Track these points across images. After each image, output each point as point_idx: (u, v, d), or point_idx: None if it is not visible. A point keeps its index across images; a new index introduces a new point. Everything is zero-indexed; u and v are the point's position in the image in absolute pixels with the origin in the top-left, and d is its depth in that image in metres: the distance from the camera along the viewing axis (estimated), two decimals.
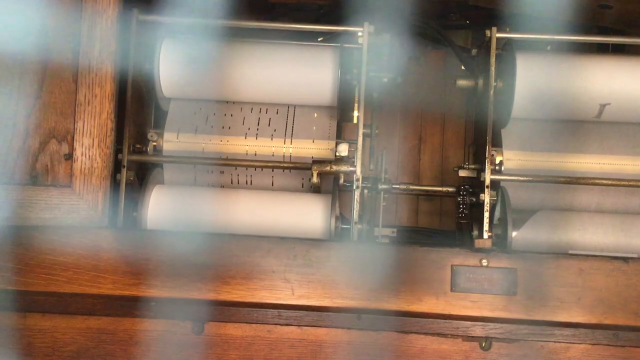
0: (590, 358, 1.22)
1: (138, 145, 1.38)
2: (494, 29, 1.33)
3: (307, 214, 1.34)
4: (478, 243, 1.21)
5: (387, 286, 1.17)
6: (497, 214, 1.37)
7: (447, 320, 1.22)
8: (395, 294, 1.17)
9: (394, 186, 1.46)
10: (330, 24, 1.39)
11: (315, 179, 1.31)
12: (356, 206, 1.28)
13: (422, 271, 1.17)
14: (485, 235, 1.26)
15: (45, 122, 1.22)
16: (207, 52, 1.39)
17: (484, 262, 1.18)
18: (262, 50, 1.41)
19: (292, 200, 1.37)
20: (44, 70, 1.22)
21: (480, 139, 1.50)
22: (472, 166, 1.47)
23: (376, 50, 1.39)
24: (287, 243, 1.19)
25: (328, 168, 1.32)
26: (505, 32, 1.34)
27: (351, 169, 1.31)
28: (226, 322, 1.25)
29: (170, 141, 1.41)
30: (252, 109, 1.46)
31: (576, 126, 1.41)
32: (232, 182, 1.45)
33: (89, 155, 1.21)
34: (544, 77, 1.34)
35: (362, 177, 1.31)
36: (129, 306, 1.24)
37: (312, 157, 1.38)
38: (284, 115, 1.45)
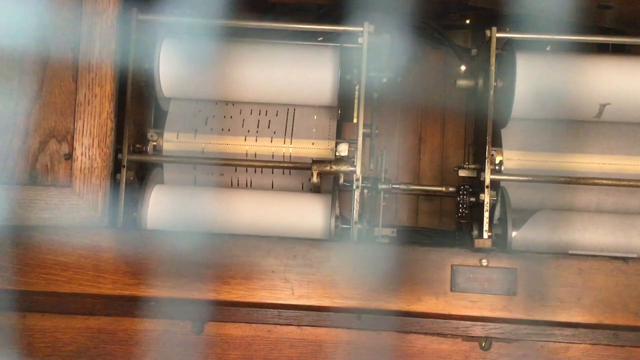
0: (590, 358, 1.22)
1: (138, 145, 1.38)
2: (494, 29, 1.33)
3: (307, 214, 1.34)
4: (478, 243, 1.21)
5: (387, 286, 1.17)
6: (497, 214, 1.37)
7: (446, 320, 1.22)
8: (395, 294, 1.17)
9: (394, 186, 1.46)
10: (330, 24, 1.39)
11: (315, 179, 1.31)
12: (356, 206, 1.28)
13: (422, 271, 1.17)
14: (485, 235, 1.26)
15: (45, 122, 1.22)
16: (207, 52, 1.39)
17: (484, 262, 1.18)
18: (262, 50, 1.41)
19: (292, 200, 1.37)
20: (43, 70, 1.22)
21: (480, 138, 1.50)
22: (472, 166, 1.47)
23: (376, 50, 1.39)
24: (287, 243, 1.19)
25: (328, 168, 1.32)
26: (505, 32, 1.34)
27: (351, 169, 1.31)
28: (226, 322, 1.25)
29: (170, 141, 1.41)
30: (252, 108, 1.46)
31: (576, 126, 1.41)
32: (232, 184, 1.45)
33: (89, 155, 1.21)
34: (544, 77, 1.34)
35: (362, 177, 1.31)
36: (128, 306, 1.24)
37: (312, 158, 1.38)
38: (284, 115, 1.45)
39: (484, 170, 1.31)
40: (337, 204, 1.35)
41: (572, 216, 1.35)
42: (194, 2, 1.32)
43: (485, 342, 1.22)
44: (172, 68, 1.39)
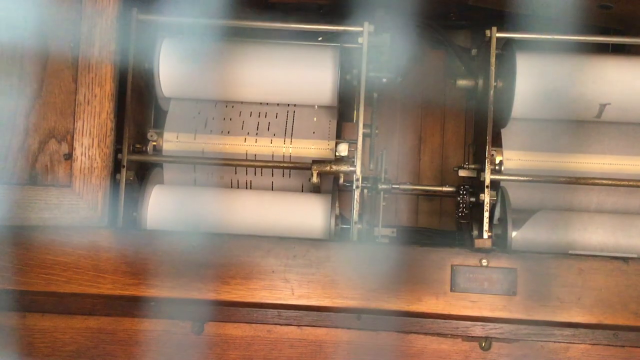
0: (590, 358, 1.22)
1: (138, 145, 1.38)
2: (494, 29, 1.33)
3: (307, 214, 1.34)
4: (478, 243, 1.21)
5: (387, 286, 1.17)
6: (497, 214, 1.37)
7: (446, 320, 1.22)
8: (395, 294, 1.17)
9: (393, 186, 1.46)
10: (330, 23, 1.39)
11: (315, 179, 1.31)
12: (356, 206, 1.28)
13: (422, 271, 1.17)
14: (485, 235, 1.26)
15: (44, 122, 1.22)
16: (207, 52, 1.39)
17: (484, 262, 1.18)
18: (262, 50, 1.41)
19: (292, 200, 1.37)
20: (43, 70, 1.22)
21: (480, 138, 1.50)
22: (472, 166, 1.47)
23: (376, 50, 1.39)
24: (287, 243, 1.19)
25: (328, 168, 1.31)
26: (505, 32, 1.34)
27: (351, 168, 1.31)
28: (226, 322, 1.25)
29: (170, 141, 1.41)
30: (251, 108, 1.46)
31: (576, 126, 1.41)
32: (231, 185, 1.45)
33: (89, 155, 1.21)
34: (544, 77, 1.34)
35: (362, 177, 1.31)
36: (128, 306, 1.24)
37: (312, 158, 1.38)
38: (284, 115, 1.45)
39: (484, 170, 1.31)
40: (337, 204, 1.35)
41: (572, 216, 1.35)
42: (193, 2, 1.32)
43: (485, 342, 1.22)
44: (171, 68, 1.39)
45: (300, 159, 1.40)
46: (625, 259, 1.17)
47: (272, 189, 1.45)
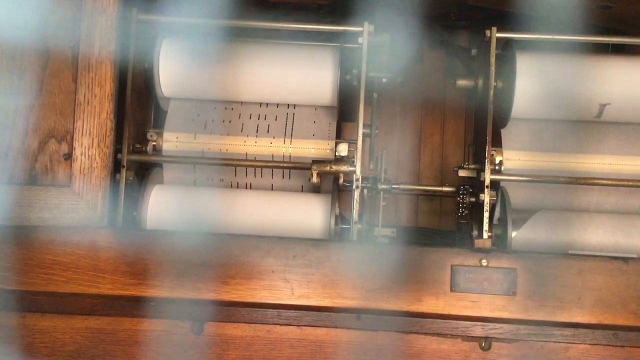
0: (590, 358, 1.22)
1: (138, 145, 1.38)
2: (494, 29, 1.33)
3: (307, 214, 1.34)
4: (478, 243, 1.21)
5: (387, 286, 1.17)
6: (496, 214, 1.37)
7: (446, 320, 1.22)
8: (395, 294, 1.17)
9: (393, 186, 1.46)
10: (330, 23, 1.38)
11: (315, 179, 1.31)
12: (356, 206, 1.28)
13: (422, 271, 1.17)
14: (485, 235, 1.26)
15: (44, 122, 1.22)
16: (206, 52, 1.39)
17: (484, 262, 1.18)
18: (262, 50, 1.41)
19: (291, 200, 1.37)
20: (43, 70, 1.22)
21: (480, 138, 1.49)
22: (472, 166, 1.47)
23: (376, 50, 1.39)
24: (287, 243, 1.19)
25: (328, 168, 1.31)
26: (505, 32, 1.34)
27: (351, 169, 1.31)
28: (226, 322, 1.25)
29: (170, 141, 1.41)
30: (251, 108, 1.46)
31: (576, 126, 1.41)
32: (231, 185, 1.45)
33: (89, 155, 1.21)
34: (543, 77, 1.34)
35: (362, 177, 1.31)
36: (128, 306, 1.24)
37: (312, 158, 1.38)
38: (284, 115, 1.45)
39: (483, 170, 1.31)
40: (336, 204, 1.35)
41: (572, 216, 1.35)
42: (193, 2, 1.32)
43: (485, 342, 1.22)
44: (171, 68, 1.39)
45: (300, 159, 1.40)
46: (625, 259, 1.17)
47: (272, 189, 1.45)
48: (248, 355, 1.25)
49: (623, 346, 1.21)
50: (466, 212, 1.46)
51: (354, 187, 1.29)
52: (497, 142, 1.40)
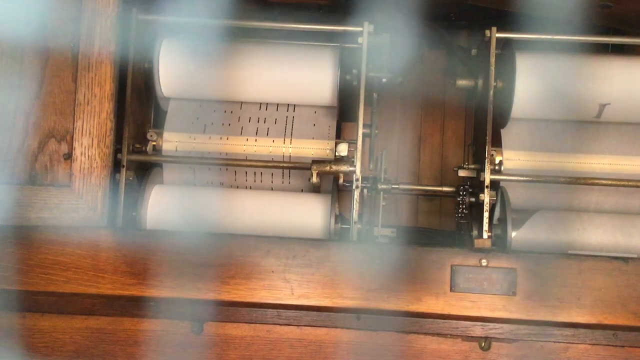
0: (590, 358, 1.22)
1: (137, 145, 1.38)
2: (494, 29, 1.33)
3: (307, 214, 1.34)
4: (478, 243, 1.21)
5: (387, 286, 1.17)
6: (496, 214, 1.37)
7: (446, 320, 1.22)
8: (395, 294, 1.17)
9: (393, 186, 1.46)
10: (330, 23, 1.39)
11: (314, 179, 1.31)
12: (356, 206, 1.28)
13: (422, 271, 1.17)
14: (485, 235, 1.26)
15: (44, 122, 1.22)
16: (206, 52, 1.39)
17: (484, 262, 1.18)
18: (262, 50, 1.41)
19: (291, 200, 1.37)
20: (43, 70, 1.22)
21: (480, 138, 1.49)
22: (472, 166, 1.47)
23: (376, 50, 1.39)
24: (287, 243, 1.19)
25: (328, 168, 1.31)
26: (505, 32, 1.34)
27: (351, 169, 1.31)
28: (225, 322, 1.25)
29: (170, 141, 1.41)
30: (251, 108, 1.46)
31: (576, 126, 1.41)
32: (231, 187, 1.45)
33: (89, 155, 1.21)
34: (543, 77, 1.34)
35: (362, 177, 1.31)
36: (128, 306, 1.24)
37: (312, 158, 1.38)
38: (284, 115, 1.45)
39: (483, 170, 1.31)
40: (336, 204, 1.35)
41: (572, 216, 1.35)
42: (193, 2, 1.32)
43: (485, 342, 1.22)
44: (171, 68, 1.39)
45: (300, 159, 1.40)
46: (625, 259, 1.17)
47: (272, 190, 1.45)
48: (248, 355, 1.25)
49: (623, 346, 1.21)
50: (466, 212, 1.46)
51: (353, 187, 1.29)
52: (497, 142, 1.40)
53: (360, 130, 1.32)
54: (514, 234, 1.31)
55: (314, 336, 1.24)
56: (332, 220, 1.32)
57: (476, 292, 1.17)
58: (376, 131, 1.50)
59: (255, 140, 1.42)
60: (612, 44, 1.54)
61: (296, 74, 1.40)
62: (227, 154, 1.40)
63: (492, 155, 1.35)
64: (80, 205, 1.21)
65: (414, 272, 1.17)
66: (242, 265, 1.18)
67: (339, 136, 1.45)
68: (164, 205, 1.35)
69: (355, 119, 1.32)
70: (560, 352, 1.22)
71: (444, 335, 1.23)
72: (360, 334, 1.23)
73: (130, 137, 1.32)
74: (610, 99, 1.34)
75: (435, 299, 1.17)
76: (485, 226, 1.27)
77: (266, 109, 1.45)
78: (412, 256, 1.18)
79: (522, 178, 1.33)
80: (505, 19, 1.51)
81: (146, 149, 1.40)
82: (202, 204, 1.34)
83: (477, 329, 1.22)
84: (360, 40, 1.33)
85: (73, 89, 1.22)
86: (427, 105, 1.82)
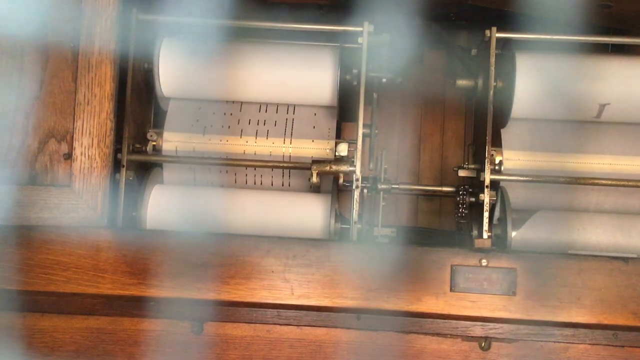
0: (590, 358, 1.22)
1: (137, 145, 1.38)
2: (494, 29, 1.33)
3: (307, 214, 1.34)
4: (478, 243, 1.21)
5: (387, 286, 1.17)
6: (496, 214, 1.37)
7: (446, 320, 1.22)
8: (395, 294, 1.17)
9: (393, 186, 1.46)
10: (330, 23, 1.38)
11: (314, 179, 1.31)
12: (356, 206, 1.28)
13: (422, 271, 1.17)
14: (485, 235, 1.26)
15: (44, 122, 1.22)
16: (206, 52, 1.39)
17: (484, 262, 1.18)
18: (262, 50, 1.41)
19: (291, 200, 1.37)
20: (43, 70, 1.22)
21: (480, 138, 1.49)
22: (472, 166, 1.47)
23: (376, 50, 1.39)
24: (287, 243, 1.19)
25: (328, 168, 1.31)
26: (505, 32, 1.34)
27: (351, 168, 1.31)
28: (225, 322, 1.25)
29: (170, 141, 1.41)
30: (251, 108, 1.46)
31: (576, 126, 1.41)
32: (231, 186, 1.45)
33: (89, 155, 1.21)
34: (543, 77, 1.34)
35: (362, 177, 1.31)
36: (128, 306, 1.24)
37: (312, 158, 1.38)
38: (284, 115, 1.45)
39: (483, 170, 1.31)
40: (336, 204, 1.35)
41: (572, 216, 1.35)
42: (193, 2, 1.32)
43: (485, 342, 1.22)
44: (171, 68, 1.39)
45: (300, 158, 1.40)
46: (625, 259, 1.17)
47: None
48: (248, 355, 1.25)
49: (623, 346, 1.21)
50: (466, 212, 1.46)
51: (353, 187, 1.29)
52: (497, 142, 1.40)
53: (360, 130, 1.32)
54: (514, 234, 1.31)
55: (314, 336, 1.24)
56: (332, 220, 1.32)
57: (476, 292, 1.17)
58: (376, 131, 1.50)
59: (255, 140, 1.42)
60: (612, 44, 1.53)
61: (296, 73, 1.40)
62: (227, 154, 1.40)
63: (492, 155, 1.35)
64: (80, 205, 1.21)
65: (414, 272, 1.17)
66: (242, 265, 1.18)
67: (339, 136, 1.45)
68: (164, 205, 1.35)
69: (355, 119, 1.32)
70: (560, 352, 1.22)
71: (444, 335, 1.23)
72: (360, 334, 1.23)
73: (130, 137, 1.32)
74: (610, 99, 1.34)
75: (435, 299, 1.17)
76: (485, 226, 1.27)
77: (266, 111, 1.45)
78: (412, 256, 1.18)
79: (522, 178, 1.33)
80: (505, 19, 1.51)
81: (146, 149, 1.40)
82: (202, 204, 1.34)
83: (477, 329, 1.22)
84: (360, 40, 1.33)
85: (73, 88, 1.22)
86: (427, 105, 1.82)
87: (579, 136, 1.40)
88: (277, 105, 1.46)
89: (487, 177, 1.30)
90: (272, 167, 1.40)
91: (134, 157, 1.34)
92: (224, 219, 1.33)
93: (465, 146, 1.79)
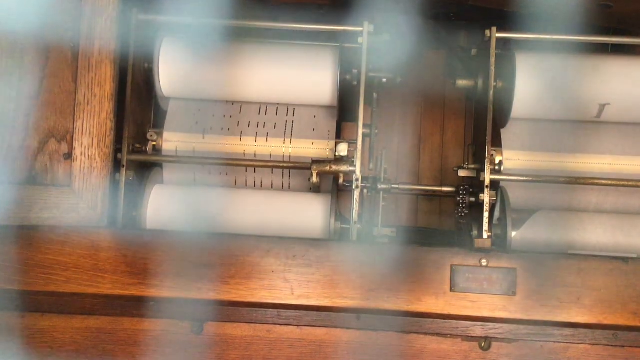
0: (590, 358, 1.22)
1: (137, 145, 1.38)
2: (494, 29, 1.33)
3: (307, 214, 1.34)
4: (478, 243, 1.21)
5: (387, 286, 1.17)
6: (496, 214, 1.37)
7: (446, 320, 1.22)
8: (395, 294, 1.17)
9: (393, 186, 1.46)
10: (330, 23, 1.38)
11: (314, 179, 1.31)
12: (356, 206, 1.28)
13: (422, 271, 1.17)
14: (485, 235, 1.26)
15: (44, 122, 1.22)
16: (206, 52, 1.39)
17: (484, 262, 1.18)
18: (262, 50, 1.41)
19: (291, 200, 1.37)
20: (43, 70, 1.22)
21: (480, 138, 1.49)
22: (472, 166, 1.47)
23: (376, 50, 1.39)
24: (287, 243, 1.19)
25: (328, 168, 1.31)
26: (505, 32, 1.34)
27: (351, 168, 1.31)
28: (225, 322, 1.25)
29: (170, 141, 1.41)
30: (251, 108, 1.46)
31: (576, 126, 1.41)
32: (231, 185, 1.45)
33: (89, 155, 1.21)
34: (543, 77, 1.34)
35: (362, 177, 1.31)
36: (128, 306, 1.23)
37: (312, 158, 1.38)
38: (284, 115, 1.45)
39: (483, 170, 1.31)
40: (336, 204, 1.35)
41: (572, 216, 1.35)
42: (193, 2, 1.32)
43: (485, 342, 1.22)
44: (171, 68, 1.39)
45: (300, 159, 1.40)
46: (625, 259, 1.17)
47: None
48: (248, 355, 1.25)
49: (623, 346, 1.21)
50: (466, 212, 1.46)
51: (353, 187, 1.29)
52: (497, 142, 1.40)
53: (360, 130, 1.32)
54: (514, 234, 1.31)
55: (314, 336, 1.24)
56: (332, 220, 1.32)
57: (476, 292, 1.17)
58: (376, 131, 1.50)
59: (255, 140, 1.42)
60: (612, 44, 1.53)
61: (296, 73, 1.40)
62: (227, 154, 1.40)
63: (492, 155, 1.35)
64: (80, 205, 1.21)
65: (414, 272, 1.17)
66: (242, 265, 1.18)
67: (339, 136, 1.45)
68: (164, 205, 1.35)
69: (355, 119, 1.32)
70: (560, 352, 1.22)
71: (444, 335, 1.23)
72: (360, 334, 1.23)
73: (130, 137, 1.32)
74: (610, 99, 1.34)
75: (435, 299, 1.17)
76: (485, 226, 1.27)
77: (265, 113, 1.45)
78: (412, 256, 1.18)
79: (522, 178, 1.33)
80: (505, 19, 1.51)
81: (146, 149, 1.40)
82: (202, 204, 1.34)
83: (477, 329, 1.22)
84: (360, 40, 1.33)
85: (73, 88, 1.22)
86: (427, 105, 1.82)
87: (579, 136, 1.40)
88: (277, 106, 1.46)
89: (487, 177, 1.30)
90: (272, 168, 1.40)
91: (134, 157, 1.34)
92: (224, 219, 1.33)
93: (465, 146, 1.79)
